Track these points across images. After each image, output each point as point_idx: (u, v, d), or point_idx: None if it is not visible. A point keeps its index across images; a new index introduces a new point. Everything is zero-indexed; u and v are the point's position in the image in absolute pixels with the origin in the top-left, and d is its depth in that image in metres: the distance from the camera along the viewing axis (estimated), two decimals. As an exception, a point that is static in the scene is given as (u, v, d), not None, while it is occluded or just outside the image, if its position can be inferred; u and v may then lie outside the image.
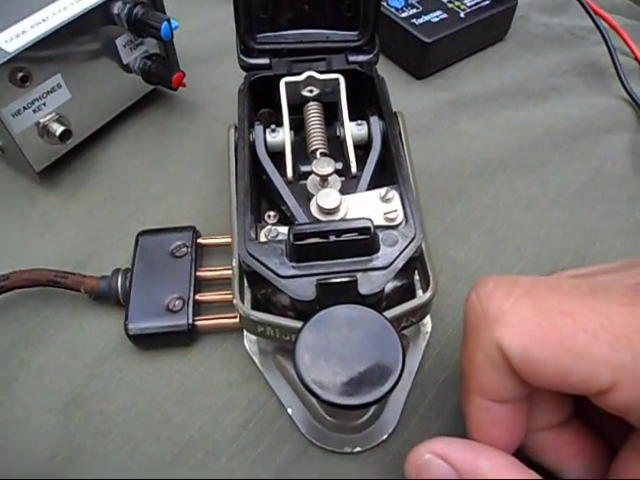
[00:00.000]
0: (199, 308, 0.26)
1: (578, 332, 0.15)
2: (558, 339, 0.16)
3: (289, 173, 0.24)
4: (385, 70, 0.29)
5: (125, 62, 0.33)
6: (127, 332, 0.25)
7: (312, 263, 0.20)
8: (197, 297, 0.26)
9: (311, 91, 0.27)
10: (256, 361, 0.25)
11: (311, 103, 0.28)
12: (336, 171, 0.23)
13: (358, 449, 0.23)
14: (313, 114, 0.27)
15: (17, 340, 0.26)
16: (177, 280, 0.26)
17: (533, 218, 0.31)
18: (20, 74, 0.27)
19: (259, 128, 0.26)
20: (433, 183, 0.32)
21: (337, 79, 0.27)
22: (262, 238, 0.22)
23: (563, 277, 0.20)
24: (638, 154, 0.34)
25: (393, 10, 0.38)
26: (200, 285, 0.27)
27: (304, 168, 0.25)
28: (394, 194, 0.23)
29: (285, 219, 0.24)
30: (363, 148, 0.26)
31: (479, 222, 0.30)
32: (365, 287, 0.20)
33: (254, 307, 0.22)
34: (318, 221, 0.22)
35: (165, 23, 0.30)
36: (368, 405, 0.17)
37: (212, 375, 0.25)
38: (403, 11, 0.38)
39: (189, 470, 0.22)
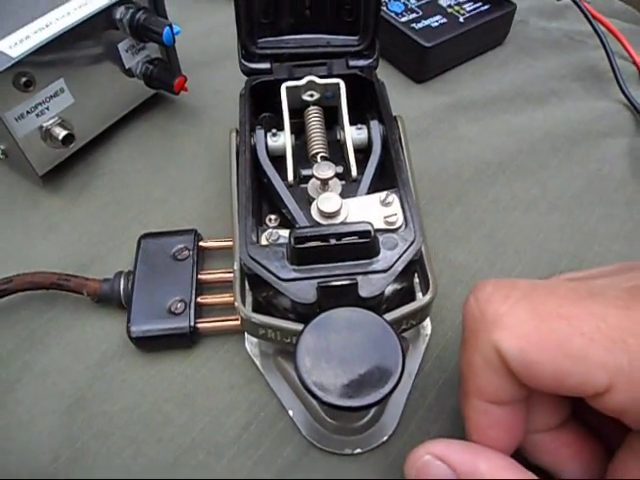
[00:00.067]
0: (201, 311, 0.26)
1: (575, 335, 0.16)
2: (555, 342, 0.16)
3: (290, 177, 0.24)
4: (385, 74, 0.30)
5: (127, 66, 0.33)
6: (129, 334, 0.25)
7: (313, 266, 0.20)
8: (199, 300, 0.26)
9: (312, 95, 0.28)
10: (257, 363, 0.25)
11: (312, 107, 0.28)
12: (336, 175, 0.24)
13: (358, 451, 0.23)
14: (314, 118, 0.27)
15: (20, 342, 0.26)
16: (179, 283, 0.26)
17: (532, 221, 0.31)
18: (24, 79, 0.27)
19: (260, 132, 0.26)
20: (433, 186, 0.32)
21: (337, 84, 0.27)
22: (263, 241, 0.22)
23: (560, 280, 0.21)
24: (636, 158, 0.34)
25: (393, 15, 0.38)
26: (202, 288, 0.27)
27: (305, 172, 0.26)
28: (394, 198, 0.23)
29: (286, 222, 0.24)
30: (363, 152, 0.26)
31: (478, 225, 0.31)
32: (365, 290, 0.20)
33: (255, 310, 0.22)
34: (319, 224, 0.22)
35: (167, 28, 0.30)
36: (368, 407, 0.18)
37: (214, 377, 0.25)
38: (403, 16, 0.38)
39: (191, 471, 0.23)
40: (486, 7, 0.39)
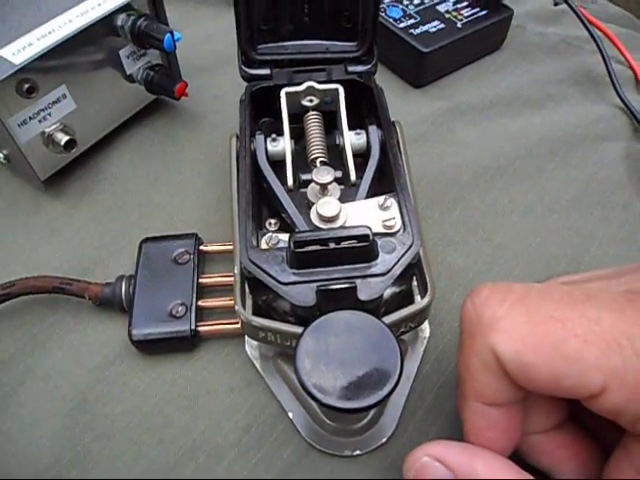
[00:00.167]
0: (201, 314, 0.26)
1: (570, 338, 0.16)
2: (550, 344, 0.16)
3: (289, 181, 0.25)
4: (384, 79, 0.30)
5: (128, 72, 0.33)
6: (131, 338, 0.25)
7: (312, 270, 0.21)
8: (199, 303, 0.26)
9: (311, 101, 0.28)
10: (257, 366, 0.25)
11: (311, 112, 0.28)
12: (335, 179, 0.24)
13: (358, 452, 0.23)
14: (313, 123, 0.28)
15: (23, 346, 0.26)
16: (180, 286, 0.26)
17: (530, 225, 0.31)
18: (26, 85, 0.27)
19: (260, 137, 0.26)
20: (431, 190, 0.33)
21: (336, 89, 0.27)
22: (263, 245, 0.23)
23: (556, 284, 0.21)
24: (633, 161, 0.34)
25: (391, 20, 0.39)
26: (202, 291, 0.27)
27: (304, 176, 0.26)
28: (392, 202, 0.23)
29: (286, 227, 0.24)
30: (362, 157, 0.27)
31: (476, 229, 0.31)
32: (364, 293, 0.20)
33: (255, 313, 0.23)
34: (318, 229, 0.23)
35: (168, 35, 0.30)
36: (367, 409, 0.18)
37: (214, 380, 0.25)
38: (401, 21, 0.39)
39: (191, 473, 0.23)
40: (484, 13, 0.39)
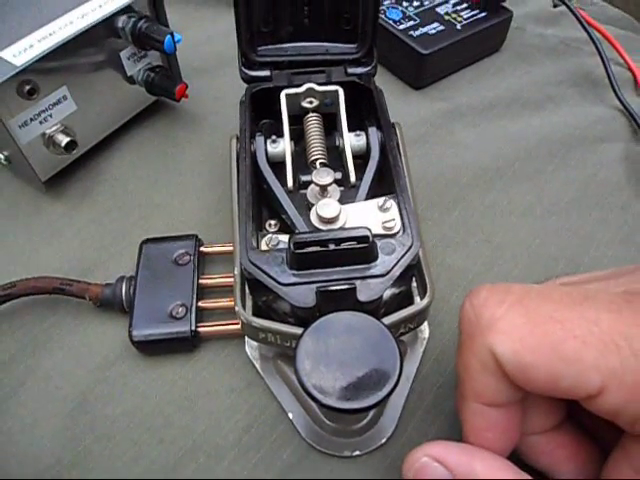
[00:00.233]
0: (201, 315, 0.27)
1: (568, 338, 0.16)
2: (549, 345, 0.16)
3: (289, 183, 0.25)
4: (383, 80, 0.30)
5: (129, 74, 0.33)
6: (131, 338, 0.25)
7: (312, 271, 0.21)
8: (200, 304, 0.26)
9: (311, 102, 0.28)
10: (257, 367, 0.25)
11: (311, 114, 0.28)
12: (335, 181, 0.24)
13: (357, 453, 0.23)
14: (313, 125, 0.28)
15: (24, 347, 0.26)
16: (180, 287, 0.26)
17: (529, 226, 0.31)
18: (27, 87, 0.27)
19: (260, 139, 0.27)
20: (430, 192, 0.33)
21: (336, 91, 0.27)
22: (263, 246, 0.23)
23: (555, 285, 0.21)
24: (631, 163, 0.34)
25: (391, 22, 0.39)
26: (202, 292, 0.27)
27: (304, 178, 0.26)
28: (392, 203, 0.23)
29: (285, 228, 0.25)
30: (362, 158, 0.27)
31: (476, 230, 0.31)
32: (364, 294, 0.20)
33: (255, 314, 0.23)
34: (318, 230, 0.23)
35: (168, 37, 0.30)
36: (366, 409, 0.18)
37: (214, 380, 0.25)
38: (401, 23, 0.39)
39: (192, 473, 0.23)
40: (483, 14, 0.40)
